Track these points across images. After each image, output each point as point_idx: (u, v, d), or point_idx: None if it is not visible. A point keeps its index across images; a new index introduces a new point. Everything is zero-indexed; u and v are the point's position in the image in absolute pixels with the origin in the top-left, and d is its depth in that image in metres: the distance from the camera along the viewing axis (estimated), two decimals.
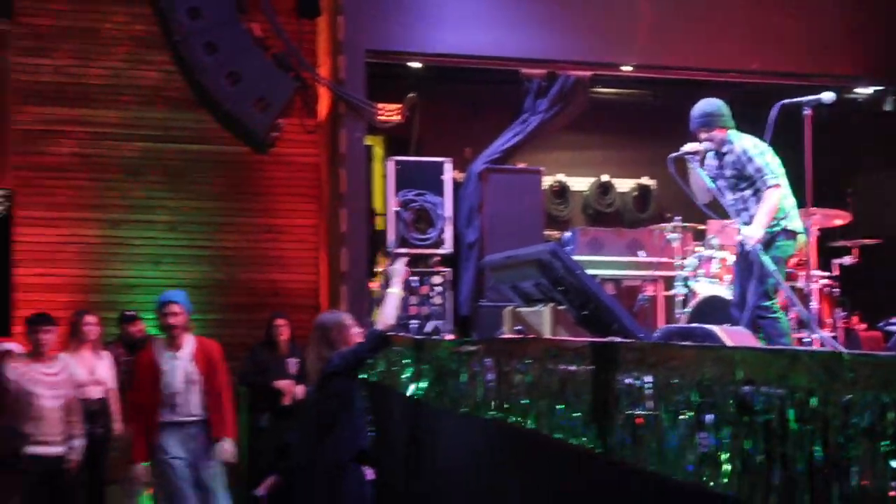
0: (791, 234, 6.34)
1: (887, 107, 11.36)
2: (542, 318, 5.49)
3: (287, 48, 9.05)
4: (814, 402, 2.39)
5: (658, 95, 11.70)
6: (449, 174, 10.04)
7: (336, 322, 5.75)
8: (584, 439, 3.58)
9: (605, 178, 12.24)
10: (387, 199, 9.97)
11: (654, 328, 7.87)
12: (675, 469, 2.95)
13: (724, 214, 6.80)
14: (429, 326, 9.54)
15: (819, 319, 7.50)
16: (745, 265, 6.39)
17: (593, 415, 3.52)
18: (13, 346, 7.18)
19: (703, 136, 6.52)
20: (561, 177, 12.07)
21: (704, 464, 2.80)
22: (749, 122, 6.71)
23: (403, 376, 6.54)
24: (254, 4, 8.92)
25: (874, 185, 11.03)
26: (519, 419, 4.25)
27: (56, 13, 10.03)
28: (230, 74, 8.55)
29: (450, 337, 8.98)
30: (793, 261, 7.11)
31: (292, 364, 8.50)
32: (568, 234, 9.98)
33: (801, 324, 7.22)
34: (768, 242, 6.22)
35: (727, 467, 2.69)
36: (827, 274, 8.28)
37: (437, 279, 9.76)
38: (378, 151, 10.59)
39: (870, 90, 11.35)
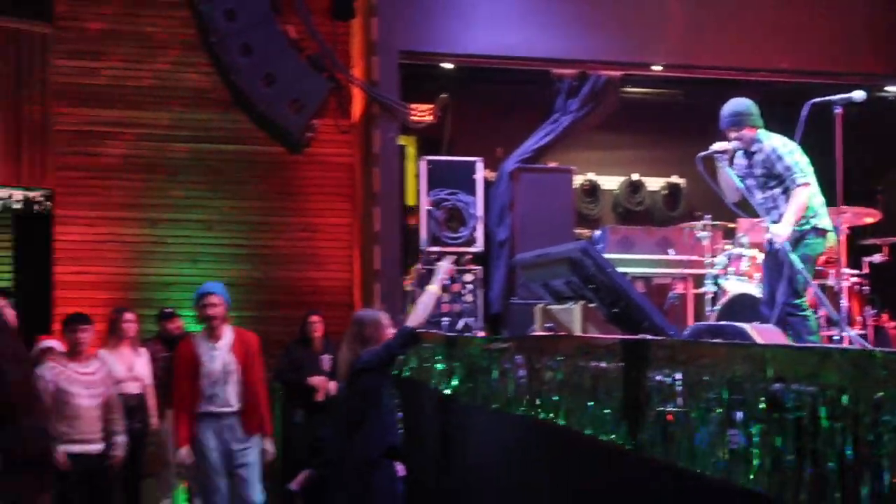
0: (821, 232, 6.29)
1: None
2: (573, 315, 5.47)
3: (321, 49, 9.07)
4: (845, 399, 2.36)
5: (688, 95, 11.62)
6: (480, 173, 10.03)
7: (373, 319, 5.75)
8: (615, 436, 3.56)
9: (635, 176, 12.18)
10: (419, 198, 9.97)
11: (683, 326, 7.82)
12: (706, 466, 2.93)
13: (752, 213, 6.75)
14: (460, 324, 9.54)
15: (849, 317, 7.43)
16: (775, 263, 6.34)
17: (624, 412, 3.50)
18: (53, 343, 7.23)
19: (732, 134, 6.49)
20: (591, 176, 12.02)
21: (734, 460, 2.78)
22: (779, 121, 6.66)
23: (435, 373, 6.54)
24: (289, 6, 8.95)
25: None
26: (550, 416, 4.24)
27: (95, 17, 10.11)
28: (266, 76, 8.59)
29: (481, 334, 8.98)
30: (822, 259, 7.05)
31: (326, 361, 8.52)
32: (598, 233, 9.94)
33: (831, 322, 7.16)
34: (798, 240, 6.18)
35: (757, 464, 2.67)
36: (857, 272, 8.20)
37: (468, 277, 9.75)
38: (411, 151, 10.59)
39: None
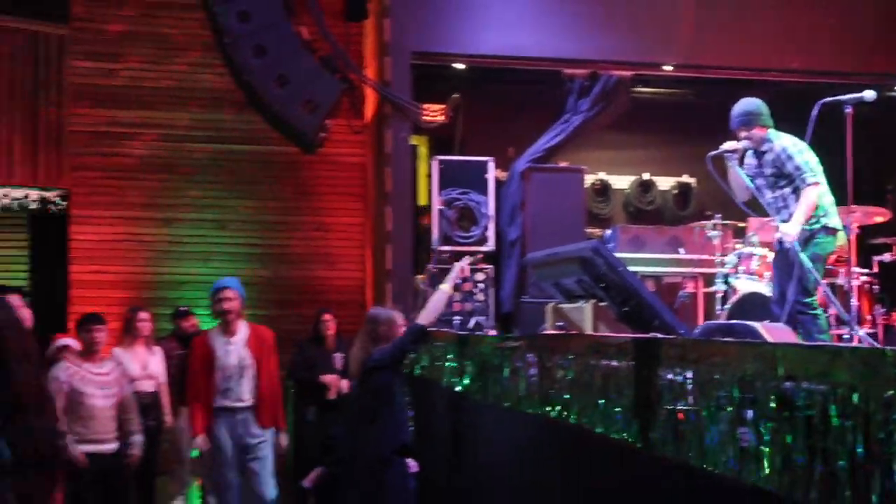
0: (831, 231, 6.28)
1: None
2: (584, 314, 5.46)
3: (334, 50, 9.08)
4: (855, 398, 2.35)
5: (699, 94, 11.59)
6: (492, 173, 10.02)
7: (388, 318, 5.76)
8: (626, 434, 3.55)
9: (646, 176, 12.15)
10: (431, 197, 9.96)
11: (694, 325, 7.81)
12: (716, 464, 2.92)
13: (762, 212, 6.73)
14: (471, 322, 9.54)
15: (859, 316, 7.41)
16: (785, 262, 6.32)
17: (635, 410, 3.49)
18: (70, 341, 7.25)
19: (742, 134, 6.48)
20: (602, 175, 11.99)
21: (745, 459, 2.77)
22: (789, 121, 6.64)
23: (447, 371, 6.54)
24: (302, 8, 8.96)
25: None
26: (561, 414, 4.23)
27: (111, 19, 10.15)
28: (279, 76, 8.60)
29: (492, 332, 8.97)
30: (833, 258, 7.03)
31: (338, 359, 8.52)
32: (609, 232, 9.92)
33: (840, 321, 7.14)
34: (808, 239, 6.17)
35: (768, 462, 2.66)
36: (867, 271, 8.17)
37: (479, 276, 9.75)
38: (423, 151, 10.60)
39: None
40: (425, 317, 5.69)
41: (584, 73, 10.39)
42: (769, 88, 9.66)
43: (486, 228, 9.88)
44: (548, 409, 4.39)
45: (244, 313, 6.92)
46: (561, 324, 5.80)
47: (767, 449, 2.66)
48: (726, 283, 8.15)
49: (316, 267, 10.44)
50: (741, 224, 8.91)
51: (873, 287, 8.17)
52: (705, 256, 9.02)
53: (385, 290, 9.35)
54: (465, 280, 9.58)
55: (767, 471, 2.66)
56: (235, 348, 6.71)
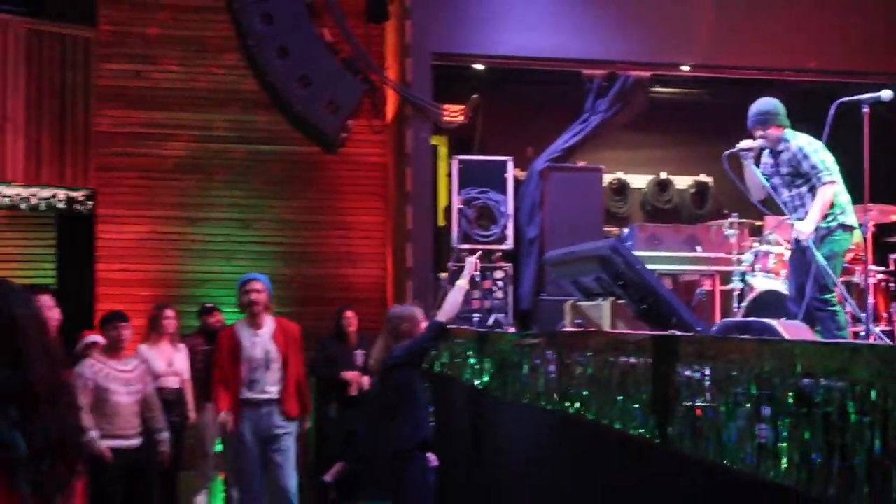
0: (848, 229, 6.26)
1: None
2: (602, 311, 5.45)
3: (356, 52, 9.09)
4: (873, 395, 2.33)
5: (715, 94, 11.55)
6: (511, 172, 10.02)
7: (409, 315, 5.77)
8: (644, 430, 3.54)
9: (663, 175, 12.11)
10: (451, 196, 9.97)
11: (711, 322, 7.78)
12: (734, 459, 2.90)
13: (778, 210, 6.71)
14: (491, 320, 9.53)
15: (875, 314, 7.36)
16: (802, 260, 6.30)
17: (653, 406, 3.47)
18: (97, 338, 7.28)
19: (758, 133, 6.47)
20: (620, 174, 11.96)
21: (763, 455, 2.75)
22: (806, 121, 6.61)
23: (467, 368, 6.53)
24: (324, 10, 8.97)
25: None
26: (580, 410, 4.22)
27: (138, 21, 10.19)
28: (301, 78, 8.62)
29: (511, 330, 8.96)
30: (848, 256, 7.00)
31: (359, 356, 8.53)
32: (627, 231, 9.89)
33: (856, 319, 7.10)
34: (825, 237, 6.15)
35: (786, 458, 2.64)
36: (883, 269, 8.12)
37: (499, 274, 9.75)
38: (443, 151, 10.60)
39: None
40: (444, 314, 5.69)
41: (602, 74, 10.37)
42: (786, 88, 9.61)
43: (505, 227, 9.87)
44: (566, 405, 4.38)
45: (272, 308, 6.92)
46: (579, 321, 5.79)
47: (785, 445, 2.65)
48: (743, 280, 8.12)
49: (338, 265, 10.45)
50: (758, 222, 8.88)
51: (889, 285, 8.11)
52: (722, 255, 8.98)
53: (406, 287, 9.36)
54: (484, 277, 9.58)
55: (785, 467, 2.64)
56: (262, 341, 6.72)
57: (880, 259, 8.24)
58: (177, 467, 7.95)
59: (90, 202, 10.35)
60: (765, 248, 8.13)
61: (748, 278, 8.05)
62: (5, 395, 1.87)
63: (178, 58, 10.26)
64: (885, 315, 7.96)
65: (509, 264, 9.87)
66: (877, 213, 7.75)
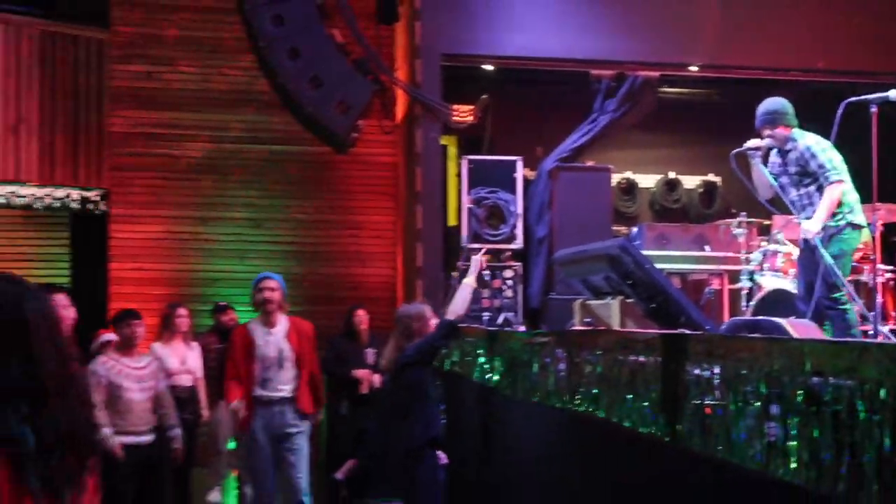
0: (856, 227, 6.26)
1: None
2: (611, 310, 5.45)
3: (367, 53, 9.10)
4: (882, 393, 2.33)
5: (724, 94, 11.53)
6: (520, 172, 10.01)
7: (418, 313, 5.78)
8: (654, 428, 3.54)
9: (671, 175, 12.09)
10: (461, 196, 9.97)
11: (719, 321, 7.77)
12: (743, 457, 2.90)
13: (785, 209, 6.70)
14: (500, 318, 9.53)
15: (883, 312, 7.35)
16: (810, 259, 6.29)
17: (662, 405, 3.47)
18: (113, 336, 7.30)
19: (766, 133, 6.46)
20: (629, 174, 11.95)
21: (772, 453, 2.75)
22: (814, 121, 6.60)
23: (477, 366, 6.54)
24: (335, 11, 8.97)
25: None
26: (589, 408, 4.22)
27: (149, 23, 10.20)
28: (312, 79, 8.63)
29: (521, 328, 8.96)
30: (857, 255, 6.98)
31: (370, 354, 8.54)
32: (635, 230, 9.88)
33: (863, 317, 7.08)
34: (834, 235, 6.14)
35: (795, 456, 2.64)
36: (891, 268, 8.10)
37: (508, 273, 9.75)
38: (452, 151, 10.60)
39: None
40: (454, 312, 5.70)
41: (610, 74, 10.36)
42: (794, 88, 9.59)
43: (514, 226, 9.87)
44: (576, 403, 4.38)
45: (286, 307, 6.91)
46: (589, 320, 5.79)
47: (795, 443, 2.64)
48: (751, 279, 8.10)
49: (348, 264, 10.45)
50: (766, 222, 8.86)
51: None
52: (730, 254, 8.96)
53: (416, 286, 9.36)
54: (494, 276, 9.59)
55: (795, 465, 2.64)
56: (275, 339, 6.71)
57: (888, 258, 8.23)
58: (190, 464, 7.97)
59: (103, 202, 10.38)
60: (773, 247, 8.12)
61: (756, 277, 8.04)
62: (15, 391, 1.88)
63: (190, 59, 10.27)
64: (893, 314, 7.94)
65: (519, 263, 9.87)
66: (885, 213, 7.71)
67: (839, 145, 6.29)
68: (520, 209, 9.91)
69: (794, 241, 7.75)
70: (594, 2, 10.31)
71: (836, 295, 6.07)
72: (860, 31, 10.35)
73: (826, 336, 5.78)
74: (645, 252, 7.94)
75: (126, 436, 6.60)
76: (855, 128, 5.98)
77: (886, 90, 5.94)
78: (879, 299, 6.67)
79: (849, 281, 6.36)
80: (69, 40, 10.36)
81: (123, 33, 10.21)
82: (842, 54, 10.31)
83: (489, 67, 10.66)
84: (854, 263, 7.08)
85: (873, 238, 6.60)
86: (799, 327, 4.98)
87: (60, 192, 10.34)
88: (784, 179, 6.49)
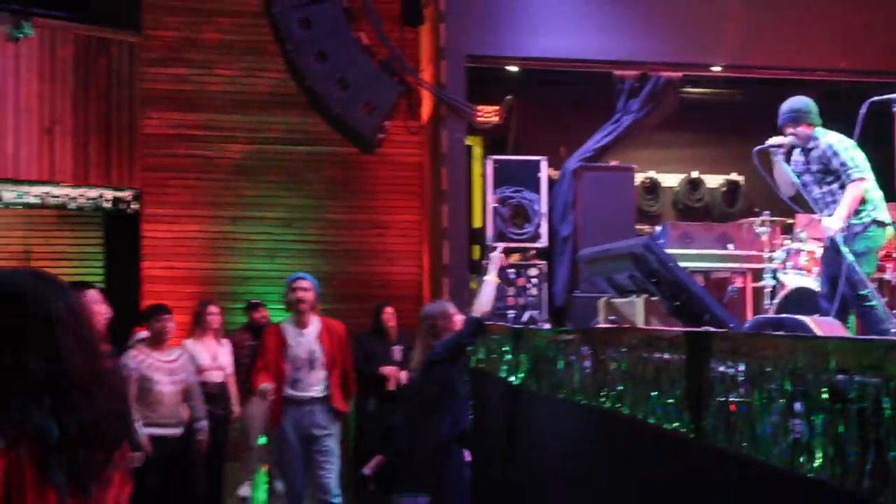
0: (881, 224, 6.20)
1: None
2: (636, 308, 5.43)
3: (392, 55, 9.12)
4: None
5: (746, 94, 11.45)
6: (545, 172, 10.00)
7: (441, 310, 5.77)
8: (678, 425, 3.52)
9: (694, 174, 12.03)
10: (485, 195, 9.97)
11: (742, 319, 7.73)
12: (768, 454, 2.88)
13: (808, 207, 6.66)
14: (525, 316, 9.52)
15: None
16: (834, 258, 6.24)
17: (687, 401, 3.46)
18: (148, 334, 7.35)
19: (789, 131, 6.43)
20: (652, 173, 11.90)
21: (797, 449, 2.73)
22: (837, 121, 6.55)
23: (502, 363, 6.53)
24: (361, 14, 9.00)
25: None
26: (615, 405, 4.20)
27: (180, 26, 10.27)
28: (339, 80, 8.66)
29: (545, 326, 8.95)
30: (882, 252, 6.92)
31: (397, 351, 8.55)
32: (659, 229, 9.84)
33: None
34: (859, 233, 6.10)
35: (820, 453, 2.62)
36: None
37: (533, 271, 9.73)
38: (477, 151, 10.60)
39: None
40: (479, 308, 5.69)
41: (634, 75, 10.32)
42: (817, 88, 9.51)
43: (538, 225, 9.86)
44: (601, 400, 4.37)
45: (318, 307, 6.89)
46: (613, 318, 5.78)
47: (820, 440, 2.63)
48: (774, 278, 8.06)
49: (375, 263, 10.48)
50: (789, 220, 8.81)
51: None
52: (754, 252, 8.91)
53: (441, 285, 9.37)
54: (519, 275, 9.58)
55: (820, 461, 2.62)
56: (306, 341, 6.68)
57: None
58: (223, 459, 8.02)
59: (136, 202, 10.44)
60: (796, 245, 8.07)
61: (779, 275, 7.99)
62: (39, 385, 1.89)
63: (219, 61, 10.33)
64: None
65: (543, 262, 9.86)
66: None
67: (862, 144, 6.24)
68: (544, 208, 9.90)
69: (817, 240, 7.71)
70: (617, 3, 10.27)
71: (864, 292, 6.02)
72: (883, 31, 10.26)
73: (850, 334, 5.73)
74: (669, 250, 7.90)
75: (155, 428, 6.64)
76: (878, 127, 5.93)
77: None
78: None
79: (872, 279, 6.31)
80: (102, 44, 10.44)
81: (156, 37, 10.27)
82: (864, 54, 10.22)
83: (513, 68, 10.64)
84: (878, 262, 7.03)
85: None
86: (823, 325, 4.95)
87: (94, 193, 10.42)
88: (807, 178, 6.45)
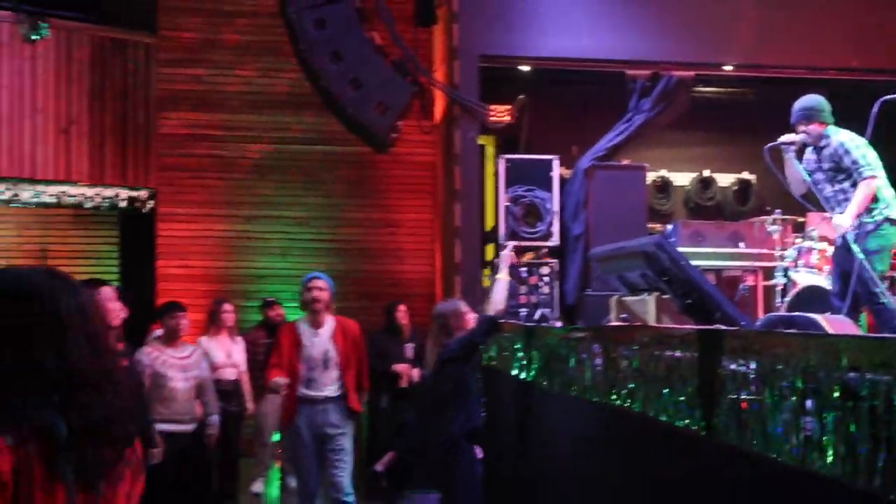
0: (894, 222, 6.16)
1: None
2: (647, 306, 5.41)
3: (405, 55, 9.11)
4: None
5: (758, 93, 11.41)
6: (557, 171, 9.99)
7: (453, 309, 5.76)
8: (690, 422, 3.51)
9: (706, 173, 12.00)
10: (498, 194, 9.96)
11: (754, 317, 7.70)
12: (780, 451, 2.87)
13: (819, 205, 6.63)
14: (537, 314, 9.51)
15: None
16: (846, 256, 6.21)
17: (699, 399, 3.44)
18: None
19: (801, 129, 6.41)
20: (663, 172, 11.86)
21: (808, 447, 2.72)
22: (849, 119, 6.53)
23: (514, 361, 6.52)
24: (374, 15, 9.00)
25: None
26: (626, 403, 4.19)
27: (195, 27, 10.30)
28: (353, 81, 8.66)
29: (557, 324, 8.93)
30: (894, 250, 6.89)
31: (409, 349, 8.56)
32: (671, 227, 9.81)
33: None
34: (871, 231, 6.06)
35: (831, 451, 2.61)
36: None
37: (545, 270, 9.72)
38: (490, 150, 10.58)
39: None
40: (493, 307, 5.68)
41: (646, 74, 10.29)
42: (829, 87, 9.47)
43: (550, 224, 9.85)
44: (613, 397, 4.36)
45: (333, 307, 6.86)
46: (625, 316, 5.76)
47: (831, 438, 2.61)
48: (786, 276, 8.03)
49: (387, 261, 10.48)
50: (800, 219, 8.78)
51: None
52: (765, 251, 8.88)
53: (454, 283, 9.36)
54: (531, 273, 9.56)
55: (831, 459, 2.61)
56: (321, 340, 6.65)
57: None
58: (236, 455, 8.03)
59: (151, 201, 10.47)
60: (807, 243, 8.04)
61: (791, 274, 7.97)
62: (48, 382, 1.89)
63: (232, 62, 10.35)
64: None
65: (555, 260, 9.84)
66: None
67: (874, 143, 6.21)
68: (556, 207, 9.88)
69: (828, 239, 7.67)
70: (629, 3, 10.24)
71: (876, 290, 5.98)
72: (895, 30, 10.20)
73: (861, 332, 5.71)
74: (680, 249, 7.88)
75: (169, 424, 6.65)
76: (890, 125, 5.91)
77: None
78: None
79: (885, 277, 6.28)
80: (118, 45, 10.48)
81: (172, 38, 10.30)
82: (876, 53, 10.17)
83: (526, 68, 10.62)
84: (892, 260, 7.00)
85: None
86: (834, 323, 4.92)
87: (109, 192, 10.45)
88: (818, 176, 6.42)
